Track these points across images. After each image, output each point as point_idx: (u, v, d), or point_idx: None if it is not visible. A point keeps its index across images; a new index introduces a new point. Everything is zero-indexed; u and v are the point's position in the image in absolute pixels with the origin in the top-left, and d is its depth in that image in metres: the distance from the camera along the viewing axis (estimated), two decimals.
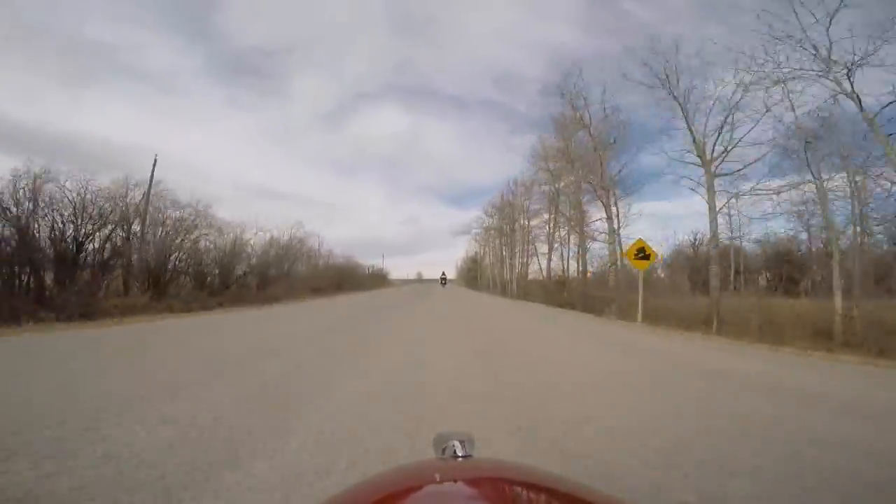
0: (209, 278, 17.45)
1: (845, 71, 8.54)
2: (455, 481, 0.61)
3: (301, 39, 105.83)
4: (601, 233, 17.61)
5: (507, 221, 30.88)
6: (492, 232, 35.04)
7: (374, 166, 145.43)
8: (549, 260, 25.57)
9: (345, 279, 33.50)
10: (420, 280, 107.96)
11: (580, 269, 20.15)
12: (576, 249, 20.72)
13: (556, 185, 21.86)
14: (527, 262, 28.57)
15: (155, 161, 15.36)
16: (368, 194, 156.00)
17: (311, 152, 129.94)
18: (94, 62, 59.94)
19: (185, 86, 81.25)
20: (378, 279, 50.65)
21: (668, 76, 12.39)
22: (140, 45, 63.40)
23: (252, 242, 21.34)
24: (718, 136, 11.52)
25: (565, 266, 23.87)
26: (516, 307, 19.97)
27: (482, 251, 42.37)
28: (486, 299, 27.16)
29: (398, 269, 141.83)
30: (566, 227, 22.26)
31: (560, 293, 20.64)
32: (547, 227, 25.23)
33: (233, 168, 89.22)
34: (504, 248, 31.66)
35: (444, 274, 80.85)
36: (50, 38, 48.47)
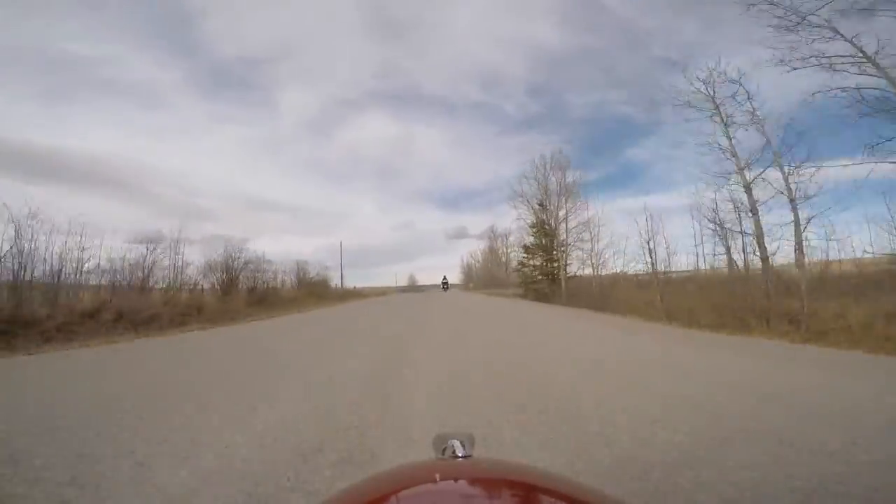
0: None
1: None
2: (455, 481, 0.61)
3: (282, 50, 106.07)
4: None
5: None
6: None
7: (365, 173, 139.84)
8: None
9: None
10: (414, 287, 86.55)
11: None
12: None
13: None
14: None
15: None
16: (361, 201, 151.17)
17: (301, 162, 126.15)
18: (74, 78, 62.23)
19: (172, 100, 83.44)
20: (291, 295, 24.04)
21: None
22: (121, 61, 64.63)
23: None
24: None
25: None
26: None
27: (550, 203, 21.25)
28: None
29: (383, 277, 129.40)
30: None
31: None
32: None
33: (223, 180, 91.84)
34: None
35: (445, 279, 70.59)
36: (27, 55, 50.78)
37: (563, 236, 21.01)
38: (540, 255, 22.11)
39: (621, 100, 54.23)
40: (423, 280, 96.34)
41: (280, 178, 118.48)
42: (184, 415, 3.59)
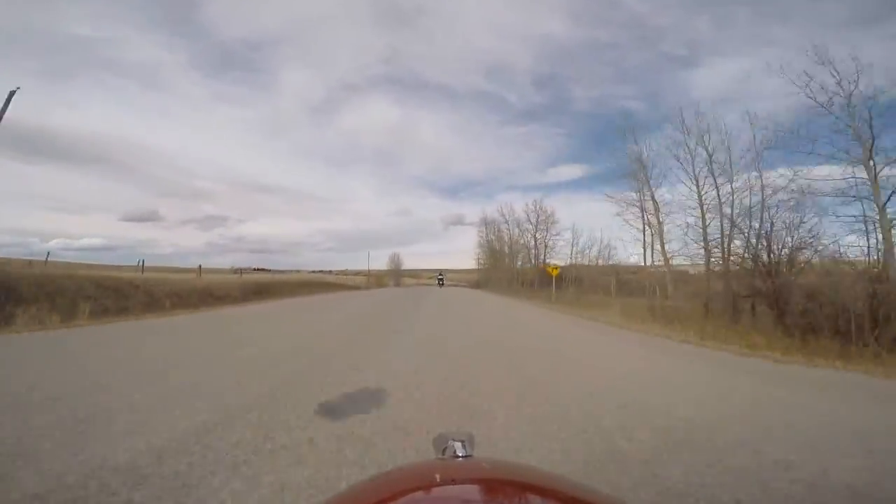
0: None
1: None
2: (455, 481, 0.61)
3: (288, 32, 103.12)
4: None
5: None
6: None
7: (365, 159, 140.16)
8: None
9: None
10: (397, 272, 61.21)
11: None
12: None
13: None
14: None
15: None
16: (360, 187, 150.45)
17: (302, 146, 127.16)
18: (77, 58, 57.02)
19: (171, 81, 79.33)
20: None
21: None
22: (124, 41, 60.76)
23: None
24: None
25: None
26: None
27: None
28: None
29: (374, 261, 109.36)
30: None
31: None
32: None
33: (223, 163, 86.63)
34: None
35: (441, 274, 57.24)
36: (31, 34, 46.27)
37: None
38: None
39: (627, 94, 55.46)
40: (411, 265, 74.78)
41: (279, 163, 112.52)
42: None
